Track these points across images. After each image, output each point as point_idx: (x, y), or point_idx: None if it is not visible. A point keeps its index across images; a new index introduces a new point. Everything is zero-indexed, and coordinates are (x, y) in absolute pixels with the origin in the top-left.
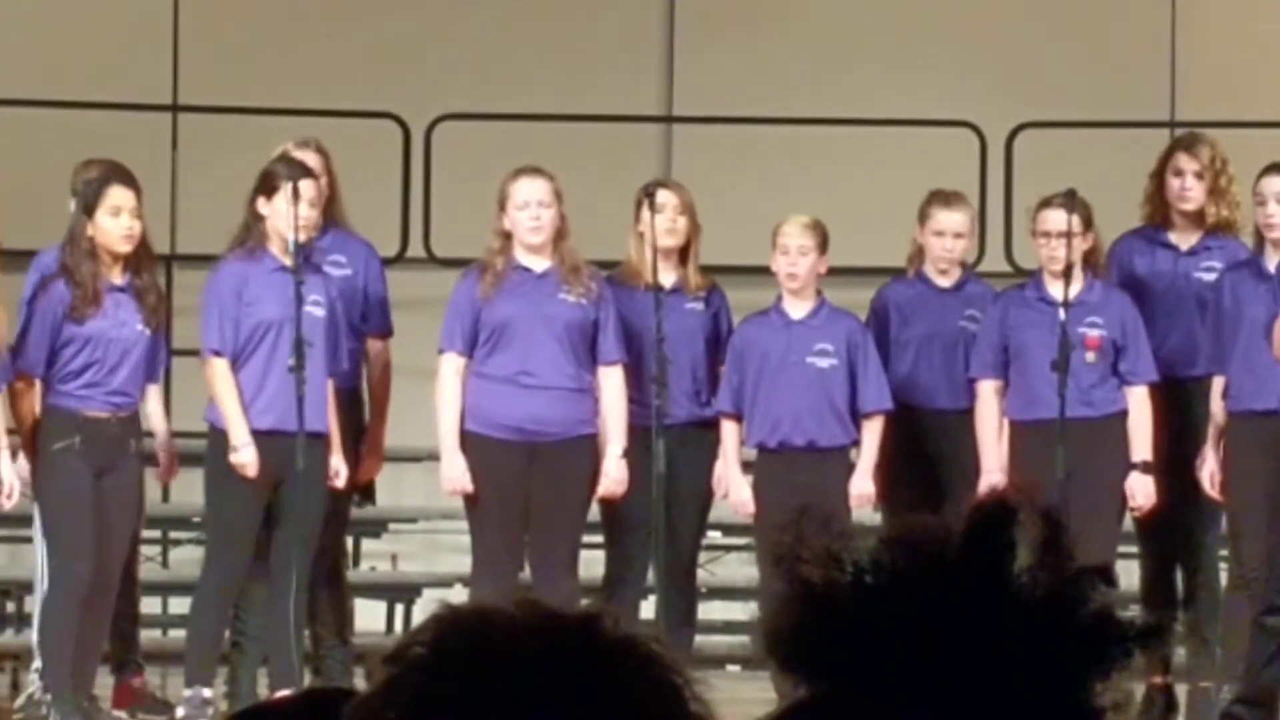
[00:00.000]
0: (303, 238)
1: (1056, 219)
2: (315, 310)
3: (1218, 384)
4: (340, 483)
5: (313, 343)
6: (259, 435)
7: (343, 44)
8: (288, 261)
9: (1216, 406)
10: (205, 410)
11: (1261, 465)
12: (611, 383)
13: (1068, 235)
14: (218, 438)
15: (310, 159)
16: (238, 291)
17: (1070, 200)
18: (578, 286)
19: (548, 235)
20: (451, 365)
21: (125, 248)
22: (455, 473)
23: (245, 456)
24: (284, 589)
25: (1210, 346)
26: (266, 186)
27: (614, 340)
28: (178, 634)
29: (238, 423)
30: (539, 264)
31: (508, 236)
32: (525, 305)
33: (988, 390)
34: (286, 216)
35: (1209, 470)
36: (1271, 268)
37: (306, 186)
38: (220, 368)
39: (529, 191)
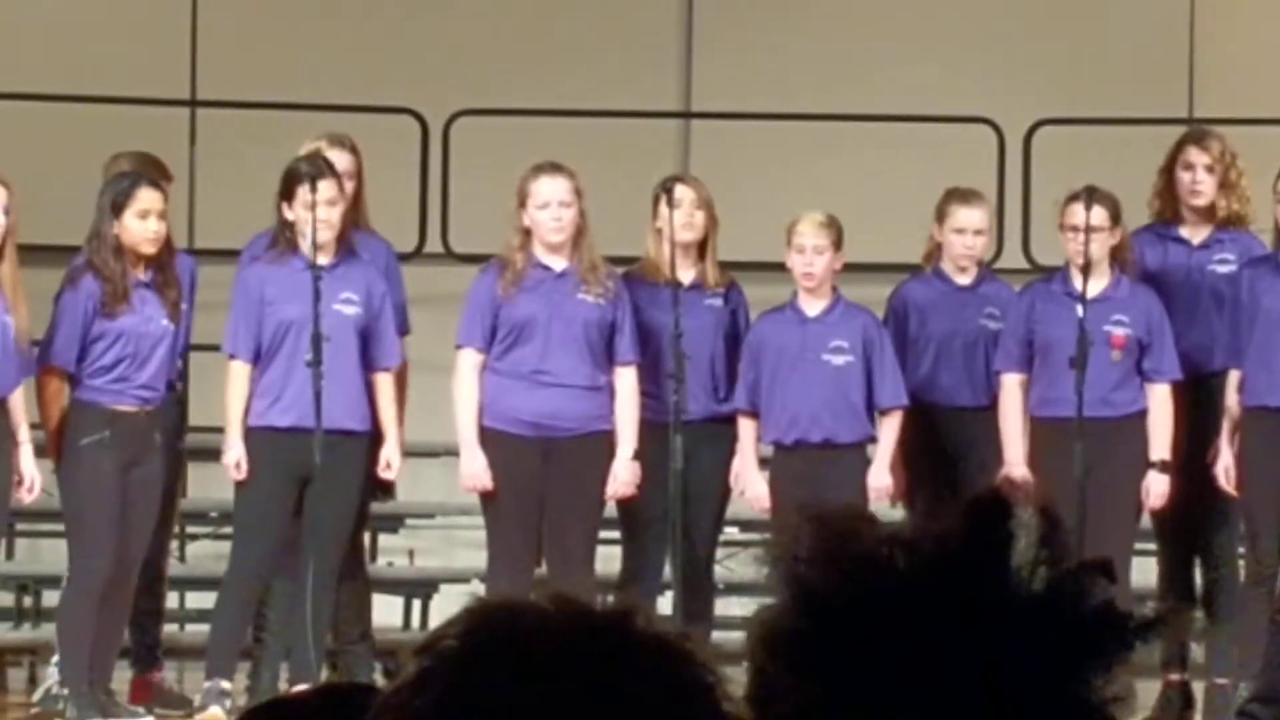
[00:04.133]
0: (325, 236)
1: (1082, 213)
2: (345, 309)
3: (1233, 378)
4: (391, 474)
5: (332, 339)
6: (282, 432)
7: (361, 39)
8: (323, 262)
9: (1232, 400)
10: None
11: (1277, 460)
12: (625, 383)
13: (1085, 230)
14: (246, 436)
15: (340, 159)
16: (260, 294)
17: (1088, 196)
18: (596, 286)
19: (569, 235)
20: (470, 361)
21: (150, 250)
22: (476, 469)
23: (230, 459)
24: (303, 585)
25: (1227, 340)
26: (287, 190)
27: (630, 340)
28: (195, 629)
29: (233, 425)
30: (558, 263)
31: (527, 233)
32: (545, 304)
33: (1011, 384)
34: (305, 218)
35: (1224, 465)
36: None
37: (325, 187)
38: (234, 370)
39: (550, 191)
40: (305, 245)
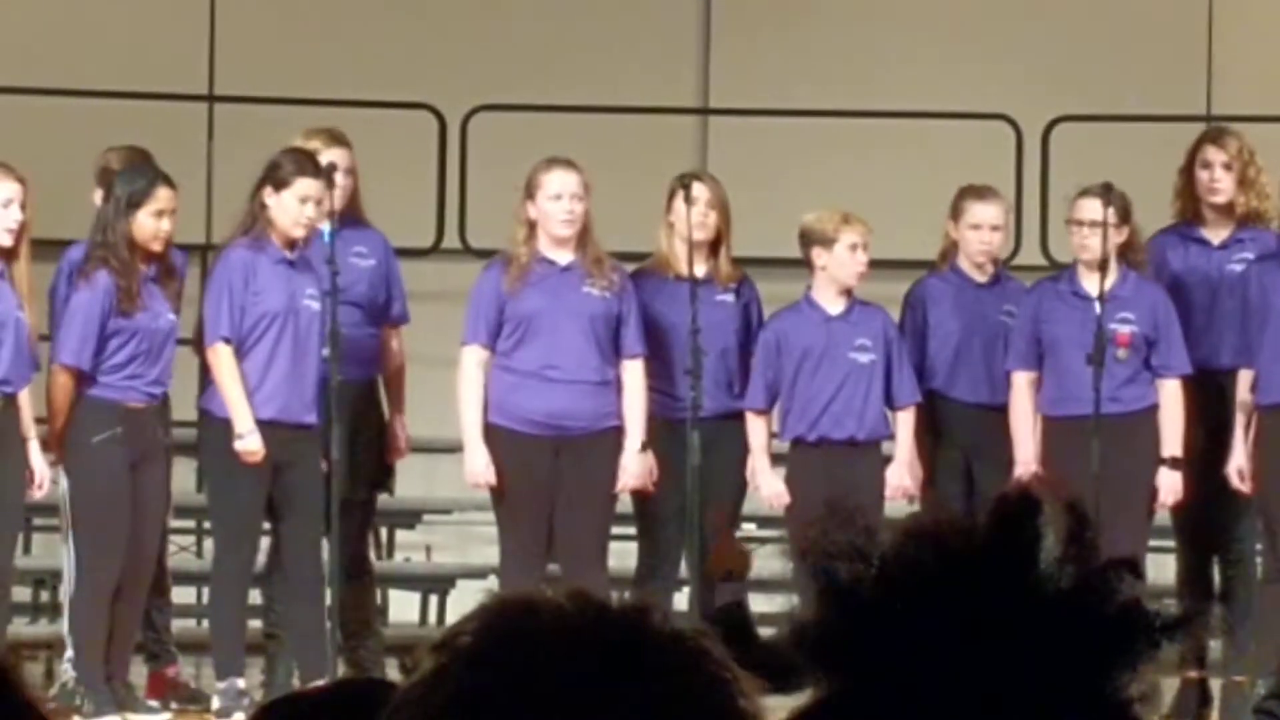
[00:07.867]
0: (300, 233)
1: (1091, 207)
2: (313, 304)
3: (1245, 377)
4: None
5: (310, 333)
6: (260, 425)
7: (378, 35)
8: (290, 255)
9: (1244, 399)
10: (198, 397)
11: None
12: (633, 376)
13: (1103, 225)
14: (215, 425)
15: (336, 155)
16: (245, 280)
17: (1105, 192)
18: (601, 279)
19: (578, 229)
20: (475, 358)
21: (158, 248)
22: (479, 466)
23: (252, 443)
24: (311, 579)
25: (1237, 339)
26: (274, 178)
27: (635, 333)
28: None
29: (243, 410)
30: (563, 256)
31: (533, 226)
32: (552, 298)
33: (1022, 382)
34: (293, 214)
35: (1236, 465)
36: None
37: (313, 187)
38: (226, 354)
39: (563, 184)
40: (279, 239)
